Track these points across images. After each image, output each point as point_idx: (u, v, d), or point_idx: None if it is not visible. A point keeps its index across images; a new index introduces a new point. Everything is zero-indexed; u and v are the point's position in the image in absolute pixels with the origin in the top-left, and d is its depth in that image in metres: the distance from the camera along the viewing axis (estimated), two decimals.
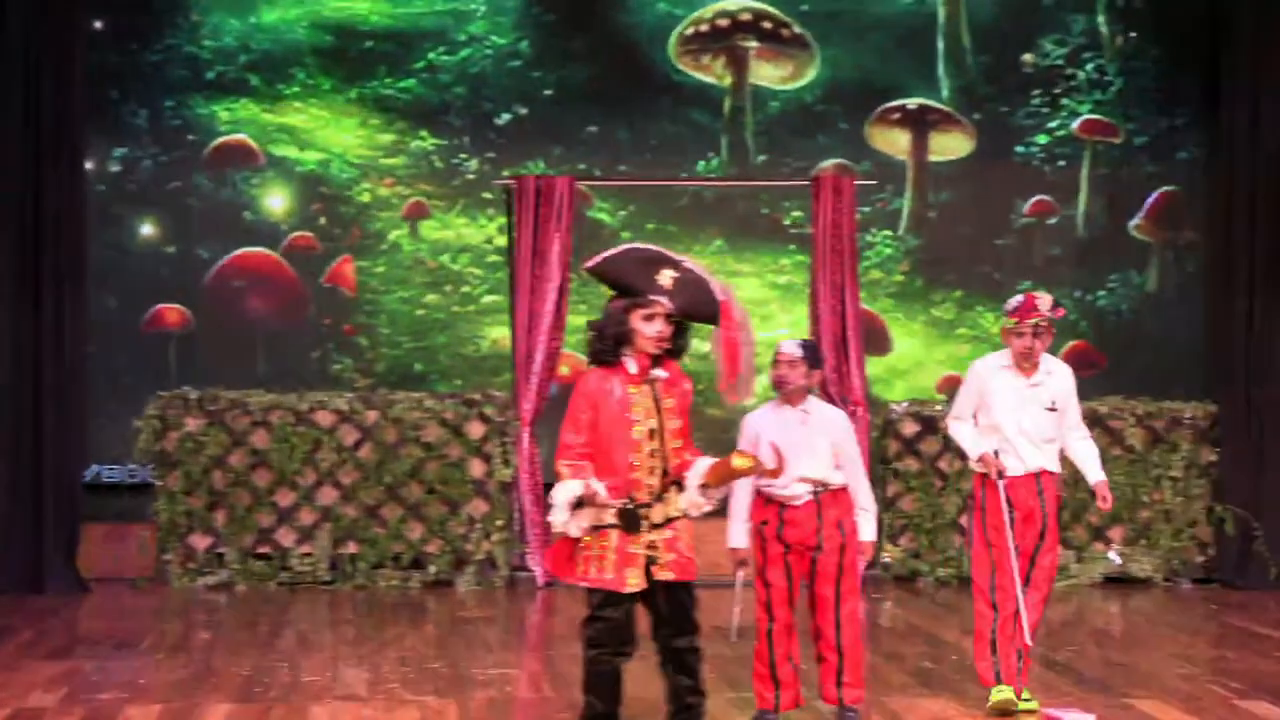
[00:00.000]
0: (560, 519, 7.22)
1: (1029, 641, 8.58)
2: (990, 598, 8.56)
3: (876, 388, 13.64)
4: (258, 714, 8.59)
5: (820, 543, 8.06)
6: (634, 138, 13.82)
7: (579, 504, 7.20)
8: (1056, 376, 8.73)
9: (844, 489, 8.14)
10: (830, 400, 11.83)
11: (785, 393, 8.08)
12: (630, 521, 7.24)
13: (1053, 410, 8.67)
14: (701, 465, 7.33)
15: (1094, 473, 8.75)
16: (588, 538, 7.28)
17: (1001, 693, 8.51)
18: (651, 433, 7.25)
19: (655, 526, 7.28)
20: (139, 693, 9.09)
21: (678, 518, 7.33)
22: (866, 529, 8.14)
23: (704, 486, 7.31)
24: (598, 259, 7.41)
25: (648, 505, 7.26)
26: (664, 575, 7.26)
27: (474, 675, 9.57)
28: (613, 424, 7.23)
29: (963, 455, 9.20)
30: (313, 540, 12.88)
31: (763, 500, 8.13)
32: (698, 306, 7.28)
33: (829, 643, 8.15)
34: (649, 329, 7.21)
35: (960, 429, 8.78)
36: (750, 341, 7.36)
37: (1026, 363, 8.62)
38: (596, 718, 7.41)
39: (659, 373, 7.27)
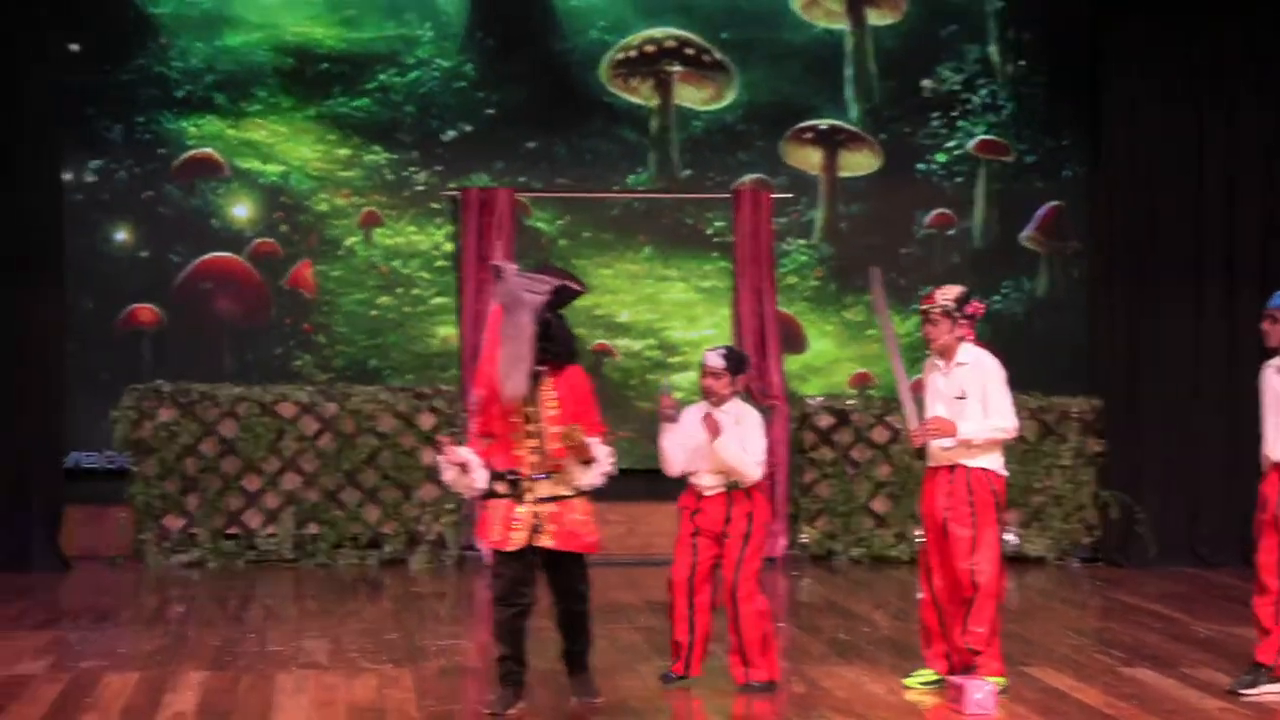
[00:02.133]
0: (447, 478, 8.10)
1: (964, 644, 8.55)
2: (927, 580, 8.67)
3: (793, 383, 13.91)
4: (228, 681, 8.82)
5: (726, 530, 8.57)
6: (569, 153, 13.91)
7: (464, 469, 7.98)
8: (969, 366, 8.41)
9: (757, 486, 8.56)
10: (751, 396, 11.96)
11: (713, 403, 8.56)
12: (513, 490, 7.98)
13: (961, 399, 8.35)
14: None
15: (962, 425, 8.31)
16: (488, 506, 8.08)
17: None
18: (528, 418, 7.99)
19: (543, 500, 8.00)
20: (118, 661, 9.32)
21: (570, 496, 8.03)
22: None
23: (578, 461, 7.99)
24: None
25: (529, 479, 7.97)
26: (544, 542, 7.97)
27: (427, 646, 9.85)
28: (502, 410, 8.01)
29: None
30: (277, 522, 13.13)
31: (689, 488, 8.67)
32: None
33: (732, 624, 8.57)
34: None
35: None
36: (514, 343, 7.89)
37: (931, 350, 8.51)
38: (501, 659, 8.18)
39: (539, 368, 7.94)
